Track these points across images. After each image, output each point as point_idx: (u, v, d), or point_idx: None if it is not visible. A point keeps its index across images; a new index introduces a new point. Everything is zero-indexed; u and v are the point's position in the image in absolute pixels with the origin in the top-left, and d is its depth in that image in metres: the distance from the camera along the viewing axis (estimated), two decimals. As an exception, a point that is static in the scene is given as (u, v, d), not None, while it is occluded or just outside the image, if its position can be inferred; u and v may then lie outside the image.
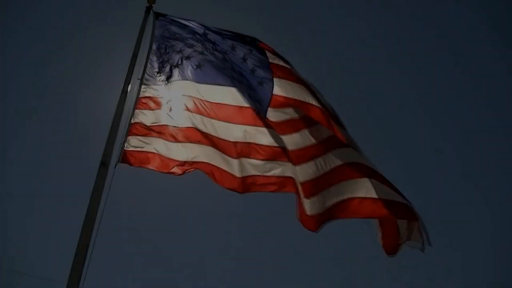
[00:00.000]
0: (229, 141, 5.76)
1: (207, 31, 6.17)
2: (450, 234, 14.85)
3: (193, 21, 6.31)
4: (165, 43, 6.10)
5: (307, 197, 5.46)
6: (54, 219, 13.57)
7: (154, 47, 6.00)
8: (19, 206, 13.36)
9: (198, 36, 6.16)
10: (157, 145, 5.69)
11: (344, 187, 5.46)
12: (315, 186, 5.47)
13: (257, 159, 5.72)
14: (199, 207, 14.54)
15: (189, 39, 6.15)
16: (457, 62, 16.52)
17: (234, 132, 5.79)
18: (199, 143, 5.79)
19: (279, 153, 5.71)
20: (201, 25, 6.25)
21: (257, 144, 5.75)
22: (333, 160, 5.53)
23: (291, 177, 5.65)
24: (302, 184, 5.49)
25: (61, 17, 15.14)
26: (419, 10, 16.22)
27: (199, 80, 5.95)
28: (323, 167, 5.53)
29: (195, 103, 5.91)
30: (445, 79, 16.75)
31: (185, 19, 6.32)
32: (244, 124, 5.80)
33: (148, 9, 6.27)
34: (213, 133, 5.80)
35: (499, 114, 15.72)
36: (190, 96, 5.93)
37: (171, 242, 14.29)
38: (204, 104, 5.89)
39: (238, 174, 5.69)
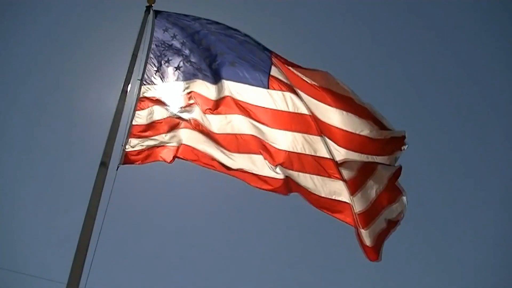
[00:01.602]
0: (277, 148, 5.66)
1: (212, 27, 6.15)
2: (449, 234, 14.87)
3: (195, 17, 6.30)
4: (166, 42, 6.09)
5: (364, 228, 5.38)
6: (54, 219, 13.58)
7: (153, 46, 5.99)
8: (19, 206, 13.36)
9: (202, 31, 6.14)
10: (179, 138, 5.79)
11: (386, 212, 5.47)
12: (369, 216, 5.39)
13: (309, 173, 5.58)
14: (201, 207, 14.56)
15: (191, 36, 6.14)
16: (458, 60, 16.52)
17: (282, 139, 5.67)
18: (238, 152, 5.75)
19: (332, 167, 5.49)
20: (205, 20, 6.25)
21: (310, 155, 5.60)
22: (375, 186, 5.46)
23: (347, 204, 5.49)
24: (358, 214, 5.38)
25: (61, 17, 15.13)
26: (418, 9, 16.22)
27: (228, 78, 5.87)
28: (371, 195, 5.45)
29: (234, 103, 5.83)
30: (443, 76, 16.77)
31: (187, 16, 6.32)
32: (295, 131, 5.67)
33: (148, 9, 6.26)
34: (260, 136, 5.72)
35: (499, 112, 15.73)
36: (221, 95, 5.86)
37: (172, 242, 14.30)
38: (247, 106, 5.80)
39: (281, 177, 5.63)
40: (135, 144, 5.59)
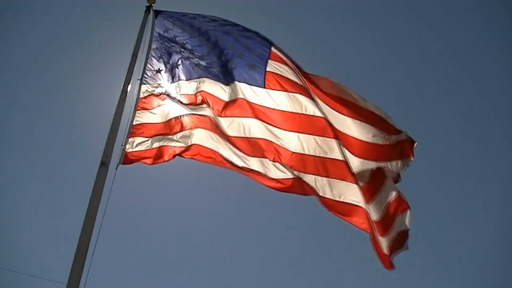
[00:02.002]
0: (286, 149, 5.57)
1: (211, 24, 6.13)
2: (449, 234, 14.87)
3: (194, 16, 6.28)
4: (166, 42, 6.08)
5: (383, 235, 5.30)
6: (54, 219, 13.58)
7: (154, 46, 5.98)
8: (19, 206, 13.36)
9: (203, 30, 6.12)
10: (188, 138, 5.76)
11: (399, 220, 5.43)
12: (386, 223, 5.31)
13: (319, 175, 5.44)
14: (201, 207, 14.55)
15: (192, 36, 6.12)
16: (458, 60, 16.52)
17: (290, 140, 5.58)
18: (251, 154, 5.64)
19: (344, 168, 5.36)
20: (202, 18, 6.23)
21: (320, 157, 5.46)
22: (387, 193, 5.44)
23: (359, 207, 5.34)
24: (376, 222, 5.28)
25: (61, 17, 15.13)
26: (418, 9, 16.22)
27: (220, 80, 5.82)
28: (384, 202, 5.40)
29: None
30: (443, 75, 16.76)
31: (186, 15, 6.30)
32: (302, 133, 5.56)
33: (148, 9, 6.26)
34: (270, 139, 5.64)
35: (499, 112, 15.73)
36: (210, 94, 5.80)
37: (172, 242, 14.30)
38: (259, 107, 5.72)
39: (291, 176, 5.55)
40: (135, 144, 5.57)
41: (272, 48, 5.85)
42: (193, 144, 5.81)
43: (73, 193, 13.40)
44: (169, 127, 5.77)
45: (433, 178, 15.54)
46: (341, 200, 5.42)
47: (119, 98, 5.37)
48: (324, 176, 5.44)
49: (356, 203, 5.36)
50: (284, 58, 5.80)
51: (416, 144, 5.45)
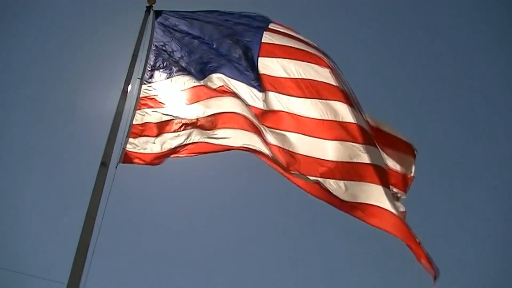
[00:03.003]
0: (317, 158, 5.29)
1: (212, 23, 6.11)
2: (449, 234, 14.88)
3: (196, 13, 6.27)
4: (166, 42, 6.09)
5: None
6: (54, 219, 13.59)
7: (154, 47, 5.98)
8: (19, 206, 13.37)
9: (202, 30, 6.11)
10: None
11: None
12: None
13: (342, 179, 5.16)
14: (201, 206, 14.57)
15: (191, 35, 6.10)
16: (459, 59, 16.53)
17: (323, 148, 5.30)
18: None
19: (371, 171, 5.09)
20: (200, 15, 6.21)
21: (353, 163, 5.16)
22: None
23: (385, 210, 4.99)
24: (420, 244, 5.00)
25: (61, 17, 15.14)
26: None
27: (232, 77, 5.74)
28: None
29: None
30: (443, 76, 16.77)
31: (187, 13, 6.30)
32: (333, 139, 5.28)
33: (148, 9, 6.26)
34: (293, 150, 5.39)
35: (500, 111, 15.74)
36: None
37: (172, 242, 14.31)
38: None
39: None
40: (135, 144, 5.55)
41: (264, 38, 5.76)
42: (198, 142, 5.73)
43: (73, 193, 13.42)
44: (172, 127, 5.74)
45: (434, 178, 15.58)
46: (372, 203, 5.10)
47: (119, 98, 5.37)
48: (355, 181, 5.17)
49: (387, 208, 5.03)
50: (283, 45, 5.69)
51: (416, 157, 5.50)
